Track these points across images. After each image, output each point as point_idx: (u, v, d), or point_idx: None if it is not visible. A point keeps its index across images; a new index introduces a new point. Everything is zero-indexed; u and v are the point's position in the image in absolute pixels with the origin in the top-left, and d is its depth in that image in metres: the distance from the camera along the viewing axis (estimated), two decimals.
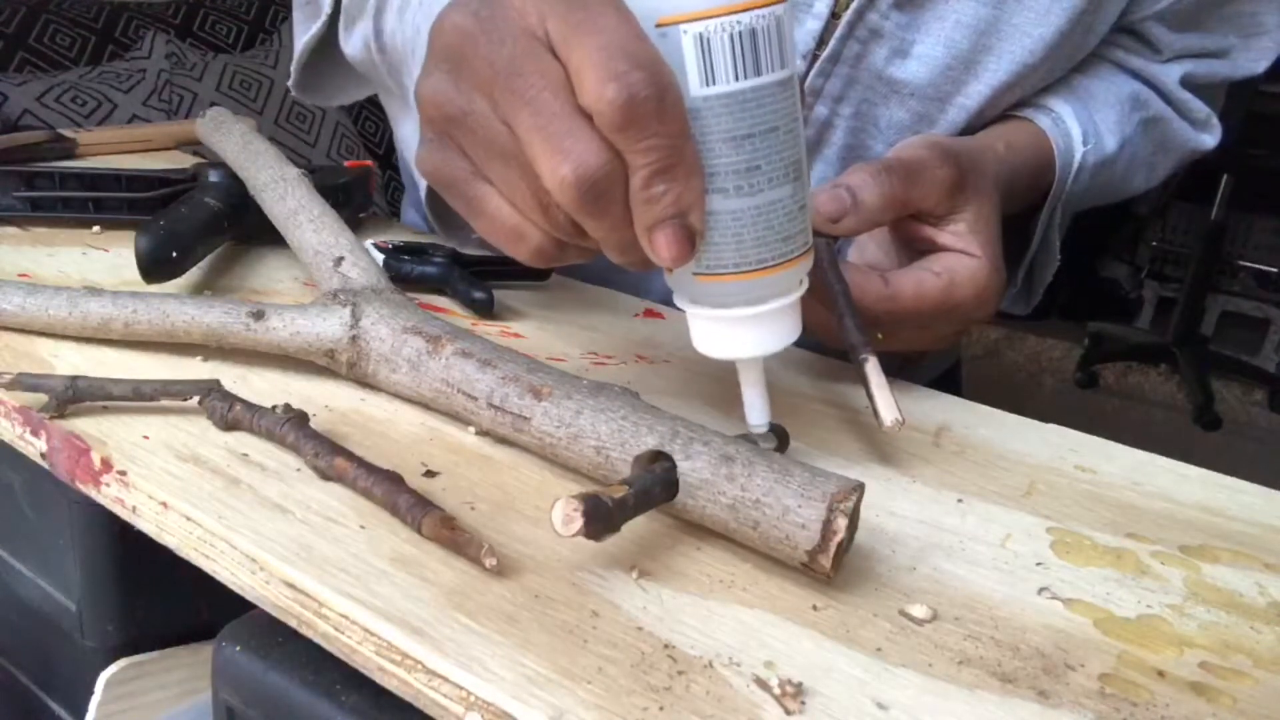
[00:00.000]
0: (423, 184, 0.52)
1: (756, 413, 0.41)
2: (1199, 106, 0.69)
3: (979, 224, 0.51)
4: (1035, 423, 0.49)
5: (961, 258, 0.50)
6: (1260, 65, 0.68)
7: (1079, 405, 3.04)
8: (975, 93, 0.60)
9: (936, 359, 0.80)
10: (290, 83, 0.73)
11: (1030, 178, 0.61)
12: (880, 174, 0.48)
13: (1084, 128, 0.62)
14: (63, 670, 0.49)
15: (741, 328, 0.39)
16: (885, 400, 0.42)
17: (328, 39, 0.68)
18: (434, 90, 0.38)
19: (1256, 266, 3.24)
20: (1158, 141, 0.68)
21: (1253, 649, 0.33)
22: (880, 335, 0.49)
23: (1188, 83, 0.68)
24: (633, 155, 0.34)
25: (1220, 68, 0.69)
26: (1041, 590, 0.35)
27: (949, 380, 0.82)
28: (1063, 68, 0.63)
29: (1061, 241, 0.66)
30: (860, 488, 0.33)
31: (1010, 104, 0.63)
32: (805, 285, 0.40)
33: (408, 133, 0.71)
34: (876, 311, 0.48)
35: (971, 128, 0.62)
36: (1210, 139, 0.70)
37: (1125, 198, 0.71)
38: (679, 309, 0.40)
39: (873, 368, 0.44)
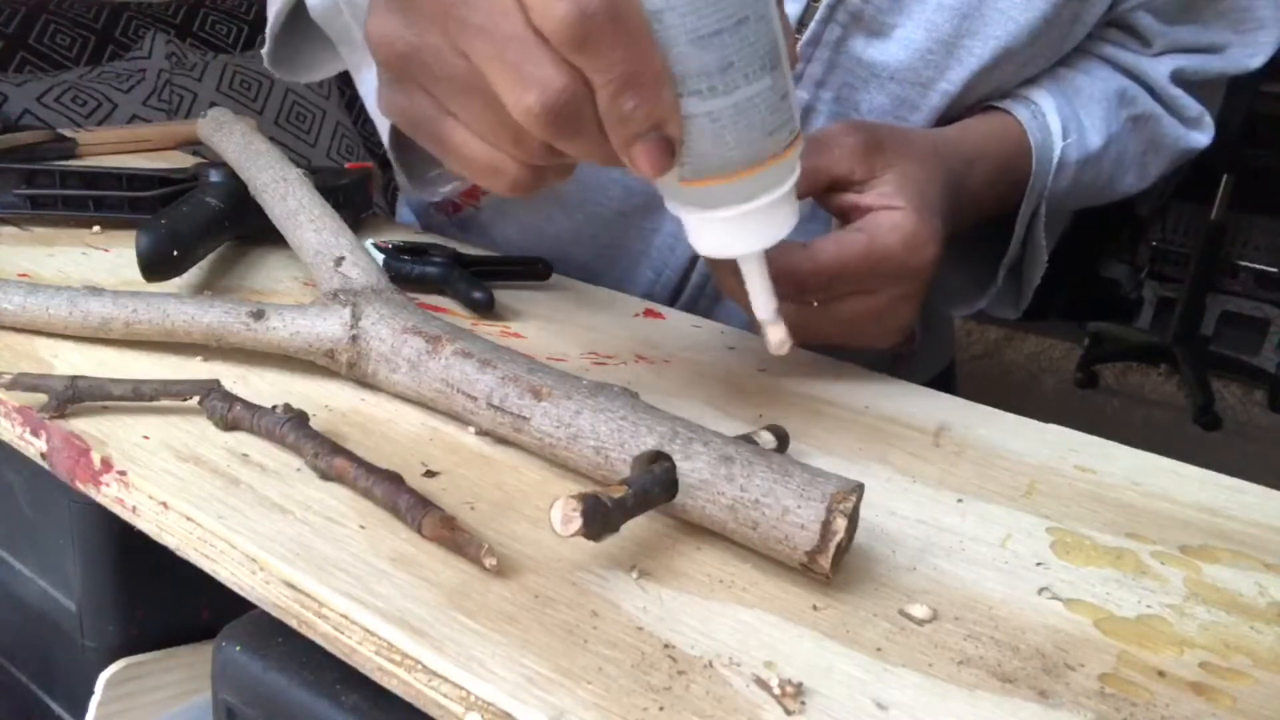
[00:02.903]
0: (384, 127, 0.51)
1: (762, 304, 0.40)
2: (1190, 104, 0.68)
3: (904, 183, 0.50)
4: (1035, 423, 0.49)
5: (883, 211, 0.50)
6: (1256, 60, 0.67)
7: (1079, 405, 3.05)
8: (957, 77, 0.60)
9: (931, 356, 0.80)
10: (264, 53, 0.70)
11: (998, 164, 0.60)
12: None
13: (1065, 121, 0.61)
14: (63, 670, 0.49)
15: (737, 225, 0.38)
16: (764, 293, 0.41)
17: (299, 10, 0.67)
18: (384, 29, 0.37)
19: (1256, 266, 3.24)
20: (1148, 140, 0.68)
21: (1253, 649, 0.33)
22: (814, 303, 0.49)
23: (1179, 79, 0.67)
24: (594, 74, 0.33)
25: (1214, 63, 0.68)
26: (1041, 590, 0.35)
27: (944, 380, 0.82)
28: (1047, 57, 0.63)
29: (1060, 242, 0.65)
30: (860, 488, 0.33)
31: (992, 88, 0.62)
32: (798, 173, 0.39)
33: (369, 79, 0.68)
34: (802, 275, 0.47)
35: (953, 113, 0.62)
36: (1202, 137, 0.69)
37: (1117, 198, 0.70)
38: (673, 214, 0.39)
39: (754, 266, 0.41)
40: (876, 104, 0.61)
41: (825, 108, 0.61)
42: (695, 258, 0.67)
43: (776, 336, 0.41)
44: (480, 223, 0.74)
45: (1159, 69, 0.67)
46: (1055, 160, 0.61)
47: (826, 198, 0.52)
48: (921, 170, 0.52)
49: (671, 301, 0.69)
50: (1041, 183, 0.61)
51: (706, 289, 0.68)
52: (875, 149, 0.51)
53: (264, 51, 0.70)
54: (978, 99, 0.62)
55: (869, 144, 0.51)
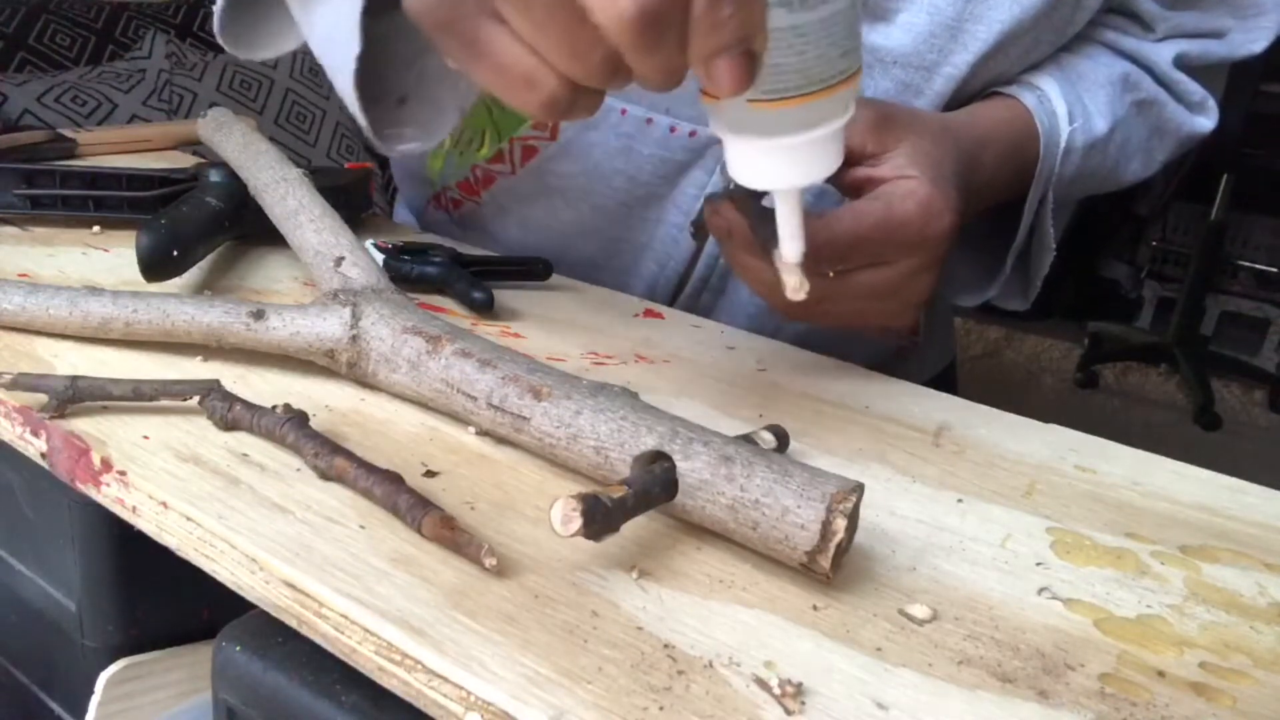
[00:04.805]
0: (345, 70, 0.45)
1: (792, 243, 0.39)
2: (1193, 88, 0.68)
3: (917, 154, 0.50)
4: (1035, 423, 0.49)
5: (899, 180, 0.49)
6: (1258, 45, 0.67)
7: (1079, 405, 3.05)
8: (961, 61, 0.60)
9: (932, 355, 0.80)
10: (215, 21, 0.61)
11: (1007, 147, 0.60)
12: None
13: (1070, 106, 0.61)
14: (63, 670, 0.49)
15: (788, 157, 0.37)
16: (795, 236, 0.40)
17: None
18: None
19: (1256, 266, 3.25)
20: (1152, 125, 0.67)
21: (1253, 649, 0.33)
22: (830, 274, 0.48)
23: (1182, 64, 0.67)
24: None
25: (1216, 48, 0.67)
26: (1041, 590, 0.35)
27: (945, 380, 0.82)
28: (1051, 41, 0.63)
29: (1061, 239, 0.65)
30: (860, 488, 0.33)
31: (996, 74, 0.62)
32: (852, 110, 0.38)
33: (324, 17, 0.51)
34: (817, 244, 0.46)
35: (958, 98, 0.61)
36: (1207, 121, 0.69)
37: (1124, 186, 0.69)
38: (717, 137, 0.38)
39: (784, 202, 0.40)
40: (880, 89, 0.61)
41: None
42: (700, 250, 0.67)
43: (794, 279, 0.41)
44: (481, 219, 0.74)
45: (1161, 54, 0.66)
46: (1062, 145, 0.61)
47: (839, 174, 0.51)
48: (934, 144, 0.52)
49: (675, 294, 0.69)
50: (1049, 168, 0.61)
51: (711, 281, 0.68)
52: (886, 124, 0.50)
53: (214, 21, 0.65)
54: (982, 84, 0.62)
55: (880, 119, 0.50)
